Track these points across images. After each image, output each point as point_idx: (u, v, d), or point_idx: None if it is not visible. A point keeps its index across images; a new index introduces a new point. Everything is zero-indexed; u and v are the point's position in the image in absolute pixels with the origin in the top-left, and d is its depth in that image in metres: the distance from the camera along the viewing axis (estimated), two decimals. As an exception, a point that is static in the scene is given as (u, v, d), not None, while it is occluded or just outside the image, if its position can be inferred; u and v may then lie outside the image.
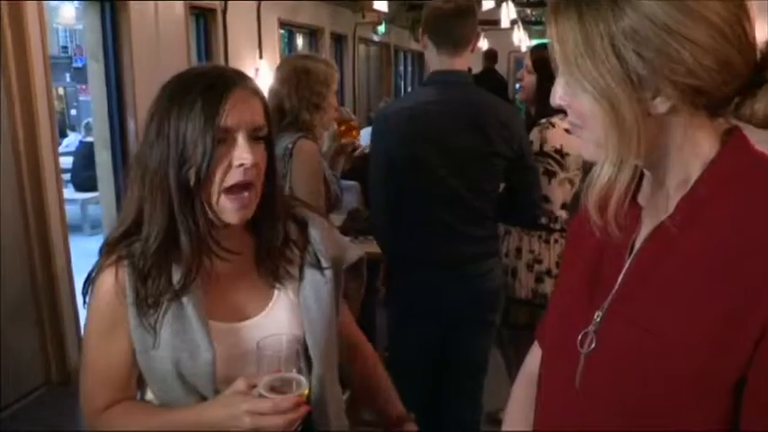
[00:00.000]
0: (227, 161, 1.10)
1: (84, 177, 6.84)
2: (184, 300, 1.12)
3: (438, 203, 2.08)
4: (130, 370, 1.17)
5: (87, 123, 7.42)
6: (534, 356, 1.09)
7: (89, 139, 7.24)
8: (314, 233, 1.28)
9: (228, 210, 1.12)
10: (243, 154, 1.09)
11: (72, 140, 8.86)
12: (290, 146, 2.21)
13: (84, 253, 3.96)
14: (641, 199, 0.86)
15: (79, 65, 19.77)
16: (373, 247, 2.41)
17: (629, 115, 0.73)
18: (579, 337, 0.84)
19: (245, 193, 1.12)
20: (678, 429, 0.74)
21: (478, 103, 2.13)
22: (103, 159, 4.30)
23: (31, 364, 3.48)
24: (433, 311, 2.14)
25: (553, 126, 2.56)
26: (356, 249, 1.40)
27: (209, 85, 1.10)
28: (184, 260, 1.12)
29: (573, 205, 2.64)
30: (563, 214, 2.65)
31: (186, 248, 1.12)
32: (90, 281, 1.16)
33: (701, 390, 0.72)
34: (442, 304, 2.13)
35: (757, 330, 0.67)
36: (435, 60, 2.10)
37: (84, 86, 18.07)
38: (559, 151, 2.55)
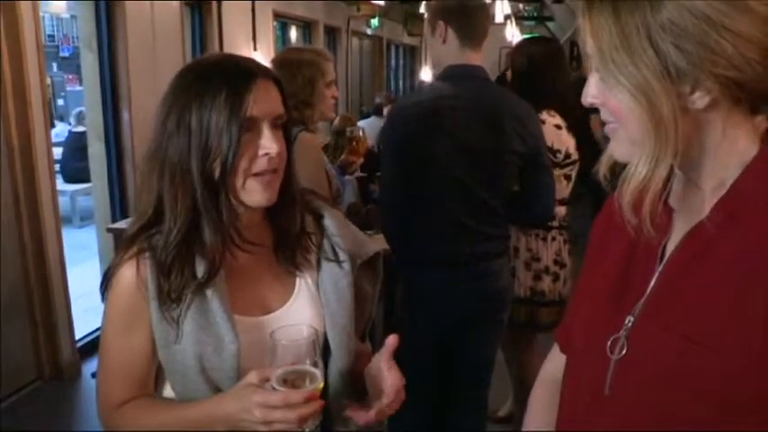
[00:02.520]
0: (253, 150, 1.09)
1: (74, 168, 6.75)
2: (208, 293, 1.10)
3: (451, 200, 2.05)
4: (149, 365, 1.14)
5: (78, 113, 7.30)
6: (554, 361, 1.07)
7: (79, 129, 7.15)
8: (330, 225, 1.27)
9: (257, 191, 1.11)
10: (269, 143, 1.09)
11: (60, 131, 8.73)
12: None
13: (74, 245, 3.93)
14: (673, 201, 0.84)
15: (66, 54, 19.56)
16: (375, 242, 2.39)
17: (666, 110, 0.71)
18: (609, 342, 0.82)
19: (272, 175, 1.12)
20: None
21: (495, 100, 2.10)
22: (97, 150, 4.23)
23: (23, 358, 3.43)
24: (442, 310, 2.12)
25: (543, 123, 2.54)
26: (373, 244, 1.37)
27: (232, 74, 1.08)
28: (208, 252, 1.10)
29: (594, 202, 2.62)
30: (561, 211, 2.64)
31: (210, 240, 1.10)
32: (109, 275, 1.13)
33: (742, 398, 0.69)
34: (452, 303, 2.10)
35: None
36: (454, 54, 2.06)
37: (71, 76, 17.87)
38: (550, 148, 2.53)
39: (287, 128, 1.16)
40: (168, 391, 1.18)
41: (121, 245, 1.14)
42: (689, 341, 0.73)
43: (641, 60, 0.71)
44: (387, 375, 1.13)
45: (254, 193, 1.11)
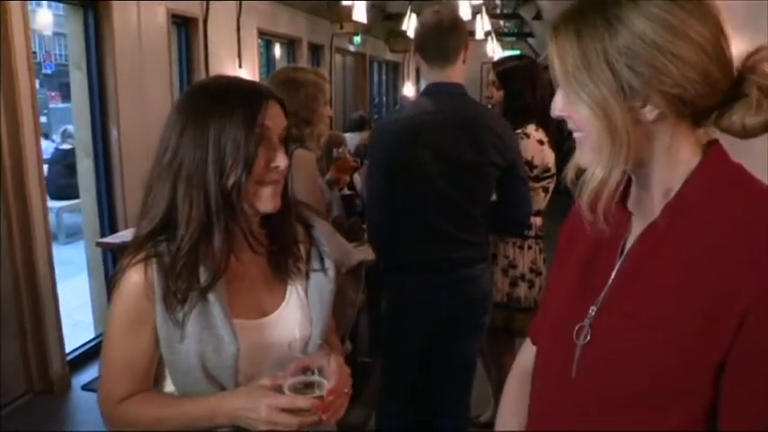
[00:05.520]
0: (265, 163, 1.20)
1: (60, 185, 6.78)
2: (210, 297, 1.19)
3: (433, 209, 2.15)
4: (151, 362, 1.23)
5: (64, 131, 7.34)
6: (527, 353, 1.17)
7: (65, 146, 7.19)
8: (318, 235, 1.37)
9: (267, 199, 1.22)
10: (280, 157, 1.21)
11: (44, 148, 8.71)
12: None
13: (60, 261, 3.96)
14: (631, 205, 0.95)
15: (48, 71, 19.50)
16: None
17: (620, 122, 0.82)
18: (575, 329, 0.92)
19: (278, 185, 1.24)
20: (665, 415, 0.82)
21: (473, 115, 2.21)
22: (85, 167, 4.29)
23: (13, 372, 3.45)
24: (426, 314, 2.21)
25: (528, 137, 2.66)
26: (356, 254, 1.47)
27: (247, 95, 1.20)
28: (215, 259, 1.19)
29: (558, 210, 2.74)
30: (537, 221, 2.76)
31: (218, 247, 1.19)
32: (117, 277, 1.22)
33: (686, 377, 0.80)
34: (436, 307, 2.19)
35: (735, 321, 0.76)
36: (429, 74, 2.19)
37: (54, 93, 17.81)
38: (529, 162, 2.64)
39: (286, 142, 1.28)
40: (168, 387, 1.27)
41: (129, 248, 1.22)
42: (643, 326, 0.84)
43: (599, 79, 0.83)
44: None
45: (265, 201, 1.22)
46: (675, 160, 0.87)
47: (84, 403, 3.59)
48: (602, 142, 0.84)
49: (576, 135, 0.90)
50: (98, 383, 1.28)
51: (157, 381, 1.27)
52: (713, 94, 0.83)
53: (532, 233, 2.75)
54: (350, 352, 2.11)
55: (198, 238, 1.18)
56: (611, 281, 0.92)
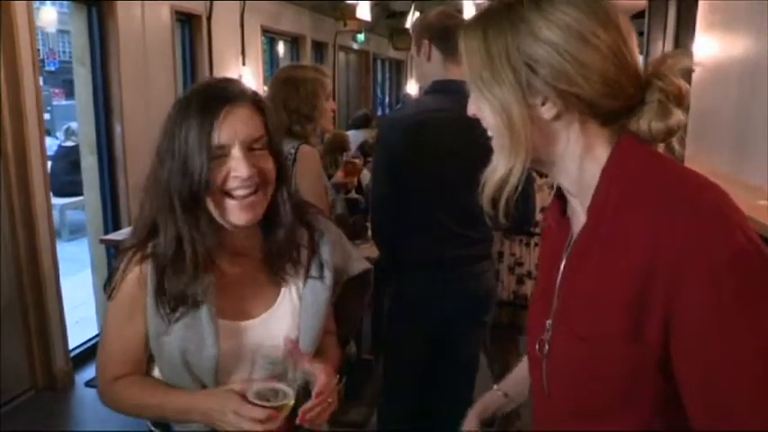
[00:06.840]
0: (225, 173, 1.17)
1: (63, 182, 6.80)
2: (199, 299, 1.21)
3: (437, 206, 2.15)
4: (143, 349, 1.27)
5: (68, 128, 7.36)
6: None
7: (68, 143, 7.21)
8: (321, 243, 1.34)
9: (235, 212, 1.19)
10: (238, 166, 1.16)
11: (47, 145, 8.75)
12: (292, 151, 2.26)
13: (64, 258, 3.97)
14: (570, 215, 0.95)
15: (52, 69, 19.54)
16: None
17: (519, 120, 0.84)
18: (537, 345, 0.95)
19: (250, 198, 1.18)
20: (628, 421, 0.82)
21: None
22: (89, 164, 4.30)
23: (17, 368, 3.47)
24: (430, 311, 2.21)
25: None
26: (363, 261, 1.45)
27: (204, 102, 1.16)
28: (189, 268, 1.18)
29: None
30: (541, 218, 2.76)
31: (190, 257, 1.18)
32: (114, 273, 1.26)
33: (632, 381, 0.80)
34: (439, 304, 2.20)
35: (659, 316, 0.75)
36: (439, 70, 2.18)
37: (57, 91, 17.85)
38: None
39: (275, 149, 1.23)
40: (158, 372, 1.30)
41: (124, 250, 1.26)
42: (581, 339, 0.84)
43: (501, 78, 0.85)
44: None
45: (233, 214, 1.19)
46: (585, 158, 0.87)
47: (87, 399, 3.61)
48: (503, 139, 0.86)
49: (489, 134, 0.91)
50: (96, 360, 1.34)
51: (149, 365, 1.31)
52: (617, 97, 0.84)
53: (538, 230, 2.75)
54: (353, 352, 2.11)
55: (177, 247, 1.18)
56: (555, 294, 0.92)
